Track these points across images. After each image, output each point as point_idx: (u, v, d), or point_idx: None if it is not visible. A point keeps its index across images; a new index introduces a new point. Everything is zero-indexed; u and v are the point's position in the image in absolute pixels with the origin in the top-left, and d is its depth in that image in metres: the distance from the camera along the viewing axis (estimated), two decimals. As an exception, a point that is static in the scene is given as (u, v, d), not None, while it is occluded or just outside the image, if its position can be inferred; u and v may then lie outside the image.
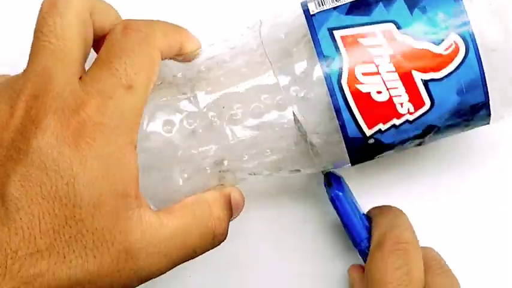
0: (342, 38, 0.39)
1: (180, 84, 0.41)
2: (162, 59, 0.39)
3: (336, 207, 0.44)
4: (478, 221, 0.49)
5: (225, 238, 0.40)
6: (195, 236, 0.39)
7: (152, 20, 0.40)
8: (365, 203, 0.46)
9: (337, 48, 0.38)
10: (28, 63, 0.37)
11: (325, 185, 0.44)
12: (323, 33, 0.39)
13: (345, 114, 0.39)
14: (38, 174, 0.35)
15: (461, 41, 0.38)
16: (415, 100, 0.38)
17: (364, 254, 0.43)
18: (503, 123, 0.42)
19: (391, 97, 0.38)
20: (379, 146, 0.40)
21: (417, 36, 0.38)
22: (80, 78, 0.37)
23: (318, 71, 0.39)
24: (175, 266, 0.39)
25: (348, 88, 0.38)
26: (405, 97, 0.38)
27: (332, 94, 0.38)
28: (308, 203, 0.49)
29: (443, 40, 0.38)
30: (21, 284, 0.34)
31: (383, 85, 0.38)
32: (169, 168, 0.41)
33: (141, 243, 0.36)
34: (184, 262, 0.39)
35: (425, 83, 0.38)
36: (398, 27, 0.38)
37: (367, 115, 0.39)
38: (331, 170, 0.44)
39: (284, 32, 0.40)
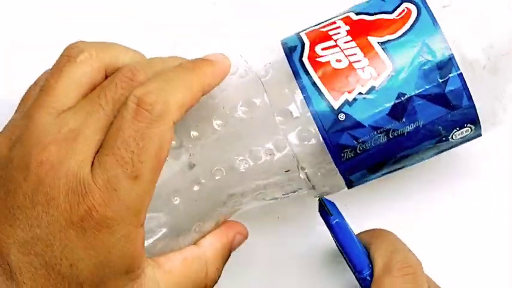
0: (306, 33, 0.41)
1: None
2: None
3: (336, 235, 0.42)
4: (468, 237, 0.49)
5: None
6: None
7: (172, 79, 0.37)
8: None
9: (300, 39, 0.41)
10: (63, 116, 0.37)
11: (321, 213, 0.43)
12: (292, 38, 0.41)
13: (309, 88, 0.39)
14: (44, 249, 0.36)
15: (413, 5, 0.39)
16: (376, 63, 0.38)
17: (365, 281, 0.42)
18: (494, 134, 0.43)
19: (350, 63, 0.39)
20: (354, 124, 0.39)
21: (372, 12, 0.40)
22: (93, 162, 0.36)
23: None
24: None
25: (308, 62, 0.39)
26: (365, 61, 0.39)
27: (296, 74, 0.39)
28: (298, 232, 0.49)
29: (395, 9, 0.39)
30: None
31: (341, 53, 0.39)
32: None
33: None
34: None
35: (383, 44, 0.39)
36: (357, 13, 0.40)
37: (329, 84, 0.39)
38: (324, 197, 0.43)
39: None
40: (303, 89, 0.39)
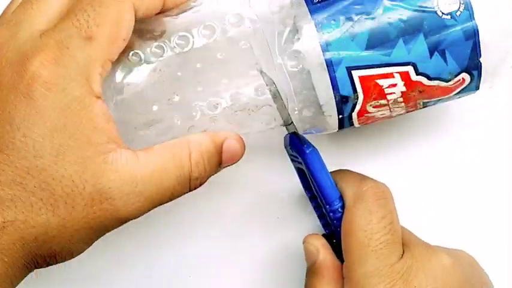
0: (360, 78, 0.41)
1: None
2: (144, 15, 0.39)
3: (308, 166, 0.42)
4: (450, 192, 0.51)
5: (200, 185, 0.40)
6: (172, 177, 0.38)
7: None
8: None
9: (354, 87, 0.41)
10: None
11: (292, 145, 0.43)
12: (341, 72, 0.40)
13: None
14: None
15: (469, 76, 0.42)
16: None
17: (336, 213, 0.42)
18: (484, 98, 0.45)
19: None
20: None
21: (431, 76, 0.41)
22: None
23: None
24: (153, 208, 0.38)
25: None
26: None
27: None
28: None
29: (452, 79, 0.42)
30: None
31: None
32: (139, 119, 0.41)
33: (116, 183, 0.36)
34: (162, 204, 0.39)
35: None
36: (416, 70, 0.41)
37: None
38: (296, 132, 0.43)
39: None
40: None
